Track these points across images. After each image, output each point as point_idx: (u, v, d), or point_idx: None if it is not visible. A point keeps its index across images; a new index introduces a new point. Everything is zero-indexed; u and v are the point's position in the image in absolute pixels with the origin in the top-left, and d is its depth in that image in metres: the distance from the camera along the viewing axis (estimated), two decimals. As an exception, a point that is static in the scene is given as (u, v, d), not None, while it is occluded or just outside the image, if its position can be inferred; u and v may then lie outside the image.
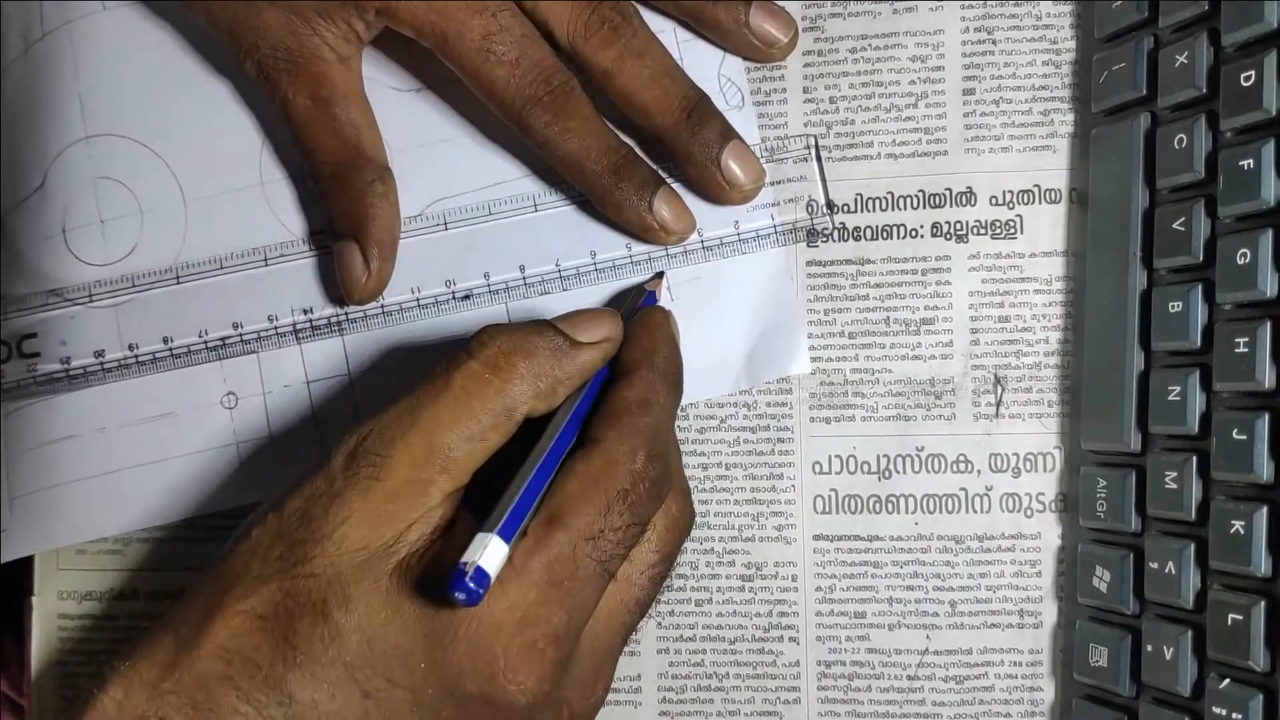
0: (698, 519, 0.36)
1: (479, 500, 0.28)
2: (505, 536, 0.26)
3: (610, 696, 0.36)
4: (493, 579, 0.26)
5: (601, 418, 0.29)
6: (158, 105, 0.36)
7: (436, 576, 0.26)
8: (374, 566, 0.27)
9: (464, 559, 0.25)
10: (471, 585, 0.25)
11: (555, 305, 0.35)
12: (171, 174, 0.36)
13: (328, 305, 0.35)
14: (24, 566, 0.37)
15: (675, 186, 0.35)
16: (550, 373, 0.29)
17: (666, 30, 0.36)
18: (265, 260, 0.35)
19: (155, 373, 0.35)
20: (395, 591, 0.27)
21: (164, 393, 0.36)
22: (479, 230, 0.35)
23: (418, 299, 0.35)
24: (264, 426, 0.36)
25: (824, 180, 0.35)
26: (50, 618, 0.37)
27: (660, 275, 0.35)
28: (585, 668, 0.29)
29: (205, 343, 0.35)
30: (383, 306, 0.35)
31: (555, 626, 0.27)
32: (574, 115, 0.33)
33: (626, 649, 0.36)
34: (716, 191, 0.34)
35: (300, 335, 0.35)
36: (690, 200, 0.35)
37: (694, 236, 0.35)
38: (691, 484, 0.36)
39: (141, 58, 0.36)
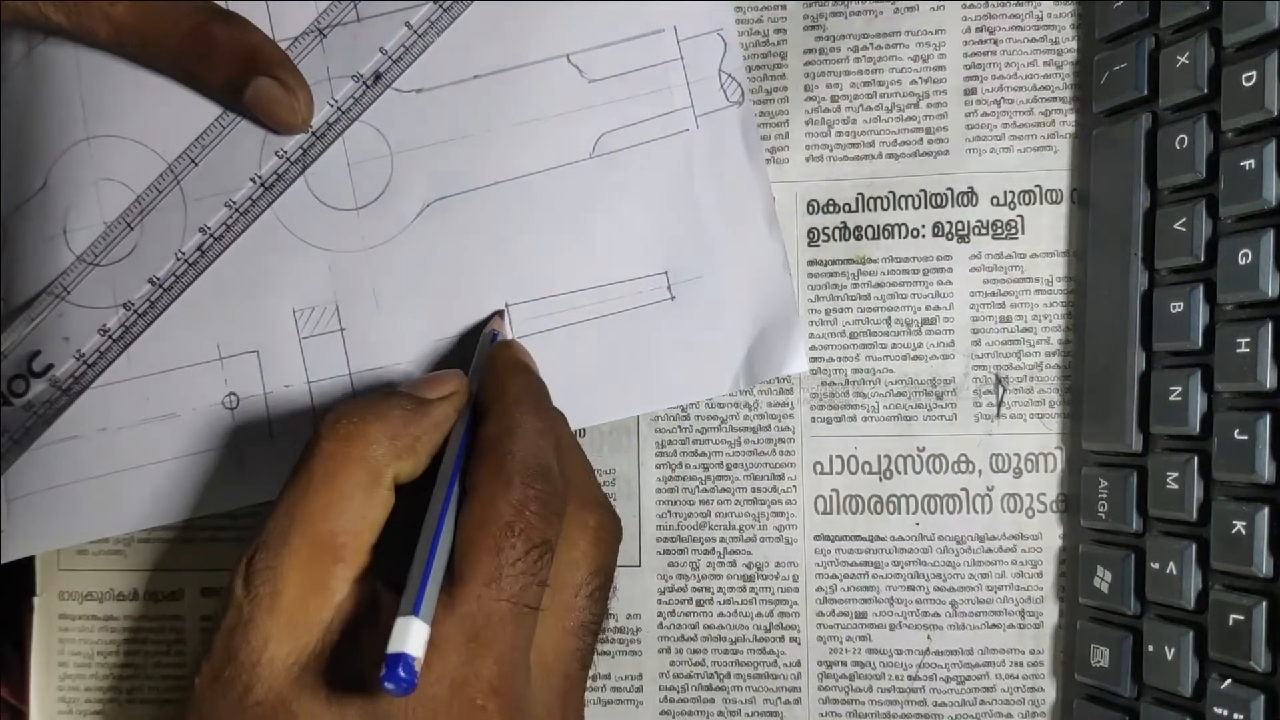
0: (699, 519, 0.36)
1: (394, 569, 0.28)
2: (422, 615, 0.26)
3: (611, 695, 0.36)
4: (419, 662, 0.25)
5: (471, 465, 0.29)
6: (159, 106, 0.36)
7: (370, 671, 0.26)
8: (307, 677, 0.27)
9: (389, 649, 0.25)
10: (401, 674, 0.24)
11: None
12: (173, 174, 0.36)
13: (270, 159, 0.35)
14: (23, 571, 0.37)
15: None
16: (405, 431, 0.29)
17: (666, 30, 0.35)
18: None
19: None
20: (334, 694, 0.27)
21: (165, 394, 0.36)
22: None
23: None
24: (265, 427, 0.36)
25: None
26: (51, 618, 0.37)
27: (500, 313, 0.35)
28: (546, 702, 0.29)
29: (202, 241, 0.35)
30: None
31: (488, 679, 0.27)
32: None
33: (625, 649, 0.36)
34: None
35: (301, 330, 0.35)
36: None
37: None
38: (692, 484, 0.36)
39: (142, 58, 0.36)
